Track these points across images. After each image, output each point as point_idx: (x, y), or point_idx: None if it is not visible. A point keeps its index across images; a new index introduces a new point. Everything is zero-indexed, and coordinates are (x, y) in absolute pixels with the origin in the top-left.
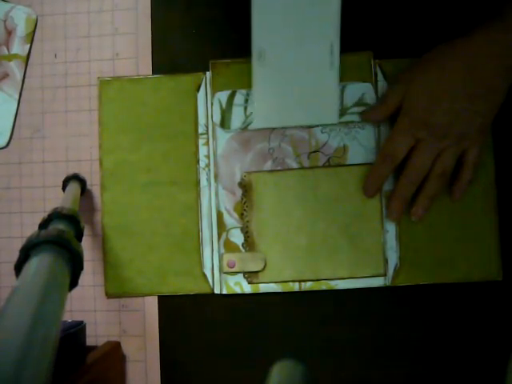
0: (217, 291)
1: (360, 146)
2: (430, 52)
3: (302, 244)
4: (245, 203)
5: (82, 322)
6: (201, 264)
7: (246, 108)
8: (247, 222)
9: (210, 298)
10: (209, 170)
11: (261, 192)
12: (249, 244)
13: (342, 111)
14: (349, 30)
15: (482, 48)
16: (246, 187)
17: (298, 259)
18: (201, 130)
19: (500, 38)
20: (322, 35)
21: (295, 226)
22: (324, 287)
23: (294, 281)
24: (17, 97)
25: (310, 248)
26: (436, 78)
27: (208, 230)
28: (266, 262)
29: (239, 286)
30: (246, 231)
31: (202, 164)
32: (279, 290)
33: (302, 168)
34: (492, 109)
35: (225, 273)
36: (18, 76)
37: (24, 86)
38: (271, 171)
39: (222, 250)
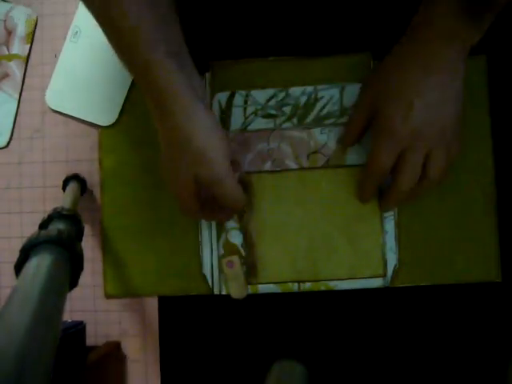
0: (216, 292)
1: (359, 146)
2: (382, 62)
3: (301, 245)
4: (244, 204)
5: (82, 322)
6: (200, 265)
7: (245, 109)
8: (246, 222)
9: (210, 298)
10: None
11: (260, 193)
12: (248, 245)
13: (342, 112)
14: (348, 30)
15: (430, 37)
16: (245, 188)
17: (298, 260)
18: None
19: (443, 25)
20: None
21: (294, 227)
22: (323, 288)
23: (293, 281)
24: (17, 97)
25: (310, 249)
26: (398, 80)
27: (207, 230)
28: (247, 290)
29: None
30: (245, 232)
31: None
32: (278, 291)
33: (302, 169)
34: (458, 94)
35: (224, 273)
36: (18, 76)
37: (24, 86)
38: (271, 172)
39: (222, 251)
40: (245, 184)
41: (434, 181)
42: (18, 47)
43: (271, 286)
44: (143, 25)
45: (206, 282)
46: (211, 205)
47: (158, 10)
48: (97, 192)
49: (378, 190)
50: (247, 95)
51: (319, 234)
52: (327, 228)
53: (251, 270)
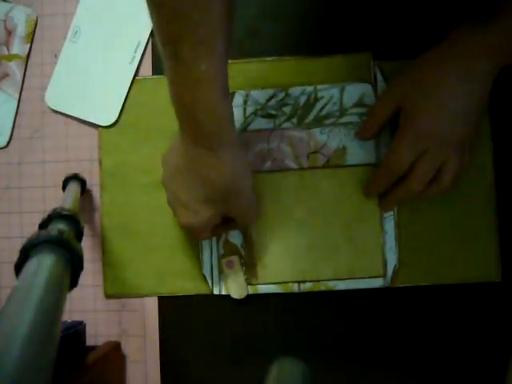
0: (216, 292)
1: (359, 147)
2: (415, 61)
3: (301, 245)
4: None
5: (81, 322)
6: (200, 265)
7: (245, 109)
8: None
9: (210, 298)
10: None
11: (260, 193)
12: (248, 245)
13: (342, 112)
14: (348, 30)
15: (473, 48)
16: None
17: (298, 260)
18: None
19: (490, 40)
20: (133, 31)
21: (294, 227)
22: (323, 288)
23: (293, 282)
24: (17, 97)
25: (310, 249)
26: (433, 81)
27: None
28: (247, 290)
29: None
30: (245, 232)
31: None
32: (278, 291)
33: (301, 169)
34: (482, 106)
35: (224, 273)
36: (18, 76)
37: (24, 85)
38: (270, 172)
39: (222, 251)
40: None
41: (445, 187)
42: (18, 47)
43: (271, 286)
44: (220, 79)
45: (206, 282)
46: (221, 226)
47: (226, 61)
48: (97, 192)
49: (384, 187)
50: (247, 95)
51: (319, 233)
52: (327, 228)
53: (251, 270)
